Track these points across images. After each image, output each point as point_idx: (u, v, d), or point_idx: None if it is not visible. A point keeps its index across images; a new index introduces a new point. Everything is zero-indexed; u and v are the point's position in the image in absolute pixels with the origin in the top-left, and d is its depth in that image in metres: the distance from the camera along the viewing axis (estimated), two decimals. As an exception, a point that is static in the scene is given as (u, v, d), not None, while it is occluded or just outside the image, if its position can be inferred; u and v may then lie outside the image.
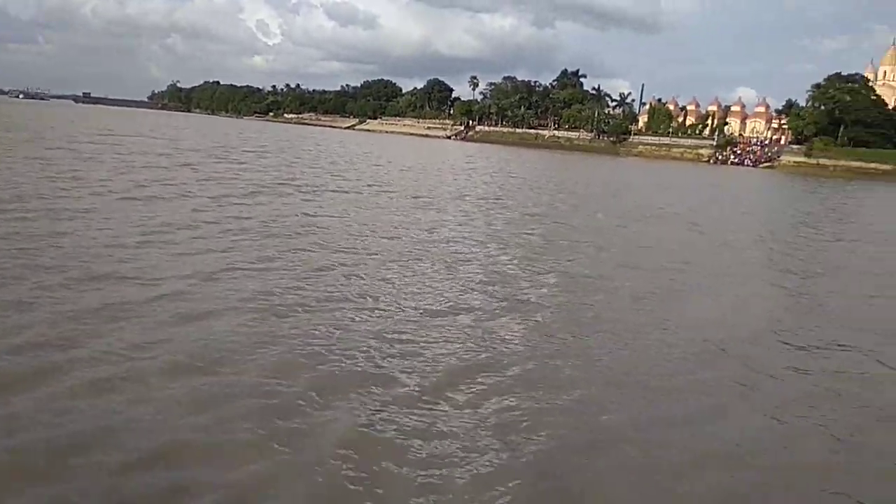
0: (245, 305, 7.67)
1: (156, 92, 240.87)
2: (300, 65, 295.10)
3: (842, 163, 76.93)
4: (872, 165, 74.75)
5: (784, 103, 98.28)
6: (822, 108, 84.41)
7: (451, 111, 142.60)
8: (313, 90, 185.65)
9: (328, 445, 4.75)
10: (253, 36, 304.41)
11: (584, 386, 6.25)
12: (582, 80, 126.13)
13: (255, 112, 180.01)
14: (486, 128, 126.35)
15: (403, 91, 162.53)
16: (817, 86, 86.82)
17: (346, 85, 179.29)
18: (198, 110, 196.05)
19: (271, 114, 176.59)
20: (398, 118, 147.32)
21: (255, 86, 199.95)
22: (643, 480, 4.74)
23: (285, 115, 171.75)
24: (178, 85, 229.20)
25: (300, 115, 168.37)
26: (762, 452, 5.25)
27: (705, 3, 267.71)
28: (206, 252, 10.26)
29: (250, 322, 7.12)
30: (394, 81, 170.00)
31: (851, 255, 17.31)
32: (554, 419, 5.48)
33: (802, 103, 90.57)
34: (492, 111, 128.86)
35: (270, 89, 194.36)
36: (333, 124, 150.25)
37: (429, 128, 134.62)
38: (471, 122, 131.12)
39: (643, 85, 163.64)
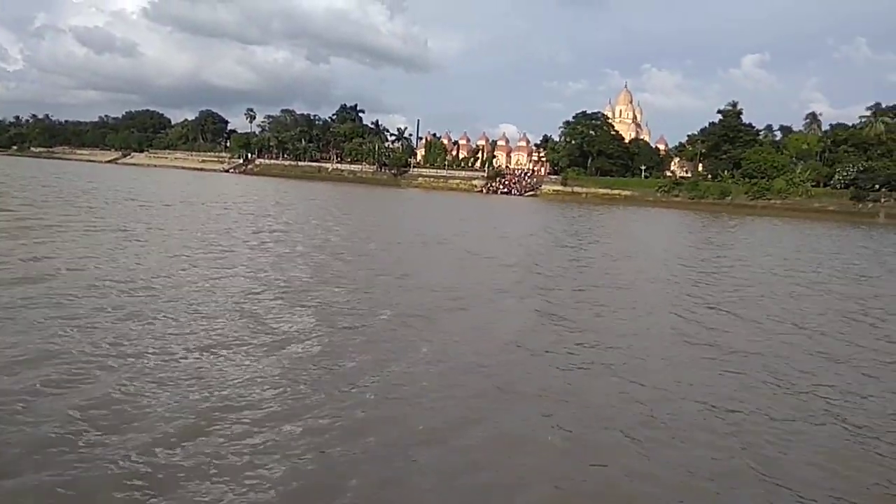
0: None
1: None
2: (48, 94, 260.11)
3: (592, 190, 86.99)
4: (616, 192, 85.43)
5: (541, 138, 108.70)
6: (573, 142, 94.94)
7: (228, 144, 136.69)
8: (66, 121, 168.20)
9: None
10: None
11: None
12: (361, 114, 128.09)
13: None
14: (267, 161, 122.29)
15: (173, 122, 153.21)
16: (567, 122, 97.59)
17: (106, 116, 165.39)
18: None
19: (14, 147, 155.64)
20: (169, 151, 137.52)
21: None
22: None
23: (32, 148, 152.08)
24: None
25: (51, 149, 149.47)
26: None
27: (469, 46, 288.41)
28: None
29: None
30: (161, 112, 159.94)
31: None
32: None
33: (556, 138, 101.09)
34: (272, 144, 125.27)
35: (13, 120, 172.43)
36: (92, 158, 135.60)
37: (203, 161, 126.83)
38: (250, 155, 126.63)
39: (419, 120, 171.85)
